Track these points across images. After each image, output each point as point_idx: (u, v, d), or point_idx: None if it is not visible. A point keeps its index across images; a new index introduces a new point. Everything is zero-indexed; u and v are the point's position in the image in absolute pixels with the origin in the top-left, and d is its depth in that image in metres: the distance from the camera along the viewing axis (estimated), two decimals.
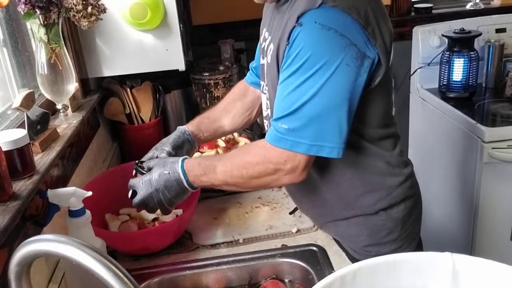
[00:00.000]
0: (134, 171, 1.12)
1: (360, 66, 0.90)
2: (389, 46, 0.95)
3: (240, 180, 1.00)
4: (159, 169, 1.05)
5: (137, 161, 1.14)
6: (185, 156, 1.08)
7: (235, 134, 1.65)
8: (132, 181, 1.08)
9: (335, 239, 1.19)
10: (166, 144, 1.21)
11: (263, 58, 1.11)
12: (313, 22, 0.88)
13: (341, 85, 0.90)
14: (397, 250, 1.11)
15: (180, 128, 1.26)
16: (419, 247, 1.20)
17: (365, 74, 0.91)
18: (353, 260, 1.13)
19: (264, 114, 1.17)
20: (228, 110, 1.32)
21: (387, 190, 1.07)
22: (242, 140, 1.61)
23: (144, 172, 1.08)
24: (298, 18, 0.90)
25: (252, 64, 1.33)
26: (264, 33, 1.12)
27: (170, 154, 1.18)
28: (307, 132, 0.92)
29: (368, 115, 1.01)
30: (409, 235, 1.13)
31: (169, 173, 1.04)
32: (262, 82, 1.15)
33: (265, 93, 1.13)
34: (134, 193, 1.07)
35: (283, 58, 0.95)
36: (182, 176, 1.03)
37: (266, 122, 1.18)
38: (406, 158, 1.13)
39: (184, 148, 1.23)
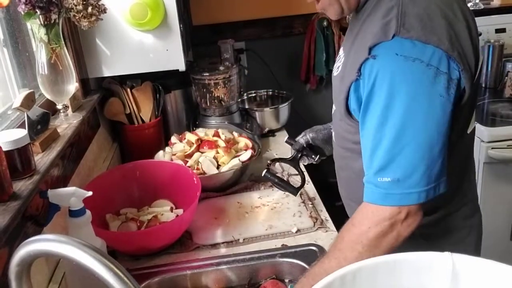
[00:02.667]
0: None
1: (453, 94, 0.82)
2: (473, 68, 0.86)
3: (360, 258, 0.83)
4: None
5: (270, 162, 1.34)
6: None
7: (235, 134, 1.65)
8: None
9: None
10: (312, 133, 1.31)
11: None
12: (394, 54, 0.80)
13: (439, 119, 0.81)
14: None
15: (330, 125, 1.29)
16: None
17: (455, 99, 0.83)
18: None
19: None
20: None
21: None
22: (242, 140, 1.61)
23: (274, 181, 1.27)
24: (370, 49, 0.83)
25: None
26: (341, 50, 1.06)
27: (308, 142, 1.30)
28: (414, 179, 0.82)
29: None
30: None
31: None
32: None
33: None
34: None
35: (350, 86, 0.88)
36: None
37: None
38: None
39: (328, 143, 1.29)
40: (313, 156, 1.31)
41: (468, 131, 0.99)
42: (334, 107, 1.09)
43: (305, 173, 1.36)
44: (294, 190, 1.25)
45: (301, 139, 1.31)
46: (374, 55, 0.83)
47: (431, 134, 0.82)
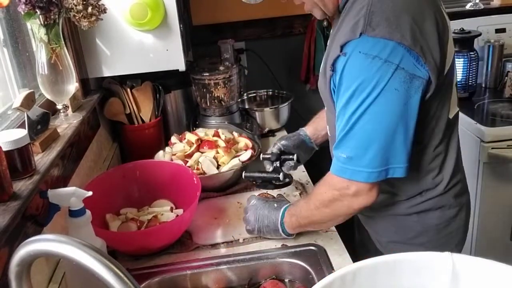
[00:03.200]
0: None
1: (410, 88, 0.91)
2: (439, 61, 0.94)
3: (316, 212, 1.07)
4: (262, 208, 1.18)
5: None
6: (285, 207, 1.16)
7: (235, 134, 1.65)
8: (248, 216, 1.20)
9: (363, 228, 1.22)
10: (284, 141, 1.38)
11: None
12: (357, 52, 0.90)
13: (392, 109, 0.91)
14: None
15: (301, 132, 1.41)
16: None
17: (417, 94, 0.92)
18: (377, 251, 1.16)
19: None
20: None
21: (427, 196, 1.09)
22: (242, 140, 1.61)
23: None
24: (342, 47, 0.92)
25: None
26: None
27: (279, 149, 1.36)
28: (365, 160, 0.94)
29: (426, 127, 1.02)
30: (443, 244, 1.12)
31: (273, 215, 1.16)
32: None
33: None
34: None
35: (330, 83, 0.99)
36: (280, 228, 1.15)
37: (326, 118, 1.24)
38: (457, 167, 1.13)
39: (301, 149, 1.38)
40: (291, 157, 1.34)
41: (450, 117, 1.07)
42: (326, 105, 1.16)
43: (292, 176, 1.40)
44: (280, 181, 1.31)
45: (274, 148, 1.37)
46: (344, 53, 0.92)
47: (384, 124, 0.92)
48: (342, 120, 0.96)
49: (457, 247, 1.16)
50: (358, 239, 1.25)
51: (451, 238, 1.14)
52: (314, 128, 1.39)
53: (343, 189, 0.98)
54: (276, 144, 1.38)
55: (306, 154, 1.40)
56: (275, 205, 1.17)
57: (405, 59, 0.89)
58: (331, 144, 1.18)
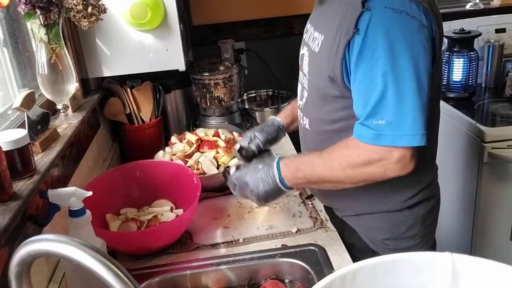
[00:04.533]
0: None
1: (433, 49, 0.91)
2: (442, 38, 0.96)
3: (341, 173, 0.96)
4: (252, 173, 1.07)
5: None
6: (277, 159, 1.06)
7: (235, 134, 1.65)
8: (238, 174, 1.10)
9: (350, 229, 1.20)
10: (260, 134, 1.23)
11: (302, 49, 1.13)
12: (383, 7, 0.87)
13: (425, 67, 0.88)
14: (415, 247, 1.13)
15: (273, 121, 1.30)
16: (433, 248, 1.22)
17: (431, 54, 0.91)
18: (370, 250, 1.15)
19: (299, 103, 1.18)
20: None
21: (416, 191, 1.09)
22: None
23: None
24: (363, 3, 0.89)
25: None
26: (307, 26, 1.14)
27: (259, 147, 1.20)
28: (406, 123, 0.88)
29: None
30: (428, 233, 1.15)
31: (262, 167, 1.05)
32: (300, 72, 1.16)
33: (301, 83, 1.14)
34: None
35: (349, 46, 0.92)
36: (280, 184, 1.02)
37: (299, 113, 1.18)
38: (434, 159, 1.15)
39: (278, 140, 1.29)
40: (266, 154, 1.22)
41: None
42: (305, 96, 1.12)
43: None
44: None
45: (252, 145, 1.21)
46: (368, 7, 0.89)
47: (419, 83, 0.88)
48: (371, 83, 0.89)
49: (434, 233, 1.20)
50: (348, 242, 1.22)
51: (433, 226, 1.17)
52: (285, 117, 1.32)
53: (385, 156, 0.90)
54: (253, 140, 1.22)
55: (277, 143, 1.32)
56: (260, 166, 1.06)
57: (426, 18, 0.89)
58: (311, 140, 1.15)
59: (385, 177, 0.94)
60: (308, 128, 1.15)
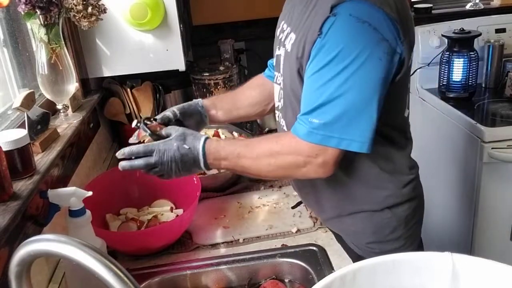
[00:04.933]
0: (138, 128, 1.09)
1: (390, 62, 0.91)
2: (413, 44, 0.96)
3: (266, 168, 1.00)
4: (178, 141, 1.02)
5: (144, 118, 1.11)
6: (207, 136, 1.05)
7: (235, 134, 1.65)
8: (149, 145, 1.03)
9: (336, 236, 1.19)
10: (175, 107, 1.20)
11: (279, 49, 1.12)
12: (348, 14, 0.88)
13: (373, 78, 0.90)
14: (400, 249, 1.12)
15: (195, 100, 1.26)
16: (420, 247, 1.21)
17: (393, 69, 0.92)
18: (356, 256, 1.13)
19: (276, 105, 1.17)
20: (246, 96, 1.33)
21: (396, 189, 1.09)
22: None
23: (147, 131, 1.06)
24: (332, 8, 0.89)
25: (270, 61, 1.33)
26: (282, 25, 1.12)
27: (175, 117, 1.17)
28: (338, 126, 0.91)
29: (387, 112, 1.00)
30: (412, 235, 1.14)
31: (189, 148, 1.01)
32: (276, 73, 1.15)
33: (279, 84, 1.13)
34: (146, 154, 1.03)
35: (312, 48, 0.93)
36: (201, 157, 1.01)
37: (278, 113, 1.18)
38: (413, 160, 1.15)
39: (193, 118, 1.22)
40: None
41: (405, 114, 1.10)
42: (282, 98, 1.11)
43: None
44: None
45: (168, 112, 1.18)
46: (334, 13, 0.89)
47: (364, 91, 0.90)
48: (317, 84, 0.92)
49: (420, 234, 1.20)
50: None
51: (417, 227, 1.16)
52: (213, 104, 1.26)
53: (310, 157, 0.95)
54: (172, 109, 1.19)
55: (196, 127, 1.23)
56: (186, 144, 1.01)
57: (389, 31, 0.89)
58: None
59: (306, 177, 1.00)
60: (286, 130, 1.13)
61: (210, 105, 1.25)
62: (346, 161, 1.03)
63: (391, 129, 1.05)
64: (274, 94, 1.18)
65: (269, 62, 1.35)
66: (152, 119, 1.12)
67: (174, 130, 1.05)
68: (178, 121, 1.18)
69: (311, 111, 0.93)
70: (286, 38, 1.06)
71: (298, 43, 0.98)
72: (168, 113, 1.18)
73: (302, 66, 0.98)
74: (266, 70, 1.35)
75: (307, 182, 1.15)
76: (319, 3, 0.95)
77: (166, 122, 1.15)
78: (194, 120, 1.22)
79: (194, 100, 1.26)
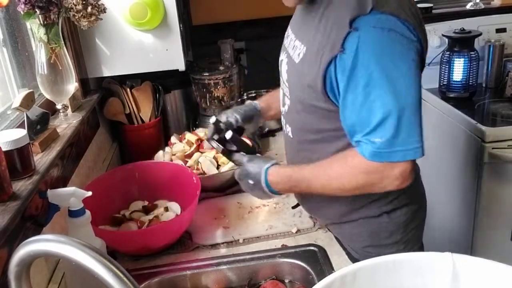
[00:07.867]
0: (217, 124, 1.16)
1: (420, 62, 0.93)
2: (427, 45, 0.97)
3: (339, 191, 1.00)
4: (244, 177, 1.08)
5: (214, 121, 1.16)
6: (267, 166, 1.06)
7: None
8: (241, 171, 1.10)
9: (335, 238, 1.19)
10: (237, 112, 1.24)
11: (282, 54, 1.12)
12: (371, 27, 0.88)
13: (415, 81, 0.90)
14: (400, 252, 1.11)
15: (249, 102, 1.30)
16: (420, 250, 1.20)
17: (422, 68, 0.94)
18: (353, 259, 1.13)
19: (281, 109, 1.17)
20: None
21: (394, 194, 1.08)
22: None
23: (220, 148, 1.11)
24: (351, 23, 0.89)
25: None
26: (288, 30, 1.13)
27: (237, 123, 1.22)
28: (400, 139, 0.90)
29: None
30: (412, 239, 1.14)
31: (254, 184, 1.06)
32: (281, 77, 1.14)
33: (282, 89, 1.13)
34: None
35: (330, 64, 0.92)
36: (266, 189, 1.05)
37: (282, 119, 1.18)
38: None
39: (252, 121, 1.27)
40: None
41: None
42: (287, 104, 1.11)
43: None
44: (251, 149, 1.14)
45: (230, 119, 1.22)
46: (355, 28, 0.88)
47: (413, 98, 0.90)
48: (367, 102, 0.90)
49: (421, 238, 1.19)
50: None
51: (417, 231, 1.16)
52: (268, 106, 1.31)
53: (384, 172, 0.93)
54: (230, 116, 1.23)
55: (253, 128, 1.31)
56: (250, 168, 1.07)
57: (412, 34, 0.90)
58: (293, 148, 1.16)
59: (383, 190, 0.97)
60: (291, 136, 1.14)
61: (266, 107, 1.30)
62: None
63: None
64: (280, 98, 1.19)
65: None
66: (220, 123, 1.18)
67: (240, 158, 1.11)
68: (238, 127, 1.24)
69: (371, 131, 0.91)
70: (289, 44, 1.06)
71: (312, 57, 0.97)
72: (231, 119, 1.22)
73: (316, 78, 0.95)
74: None
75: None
76: (331, 17, 0.94)
77: (228, 126, 1.20)
78: (253, 123, 1.28)
79: (249, 102, 1.30)
